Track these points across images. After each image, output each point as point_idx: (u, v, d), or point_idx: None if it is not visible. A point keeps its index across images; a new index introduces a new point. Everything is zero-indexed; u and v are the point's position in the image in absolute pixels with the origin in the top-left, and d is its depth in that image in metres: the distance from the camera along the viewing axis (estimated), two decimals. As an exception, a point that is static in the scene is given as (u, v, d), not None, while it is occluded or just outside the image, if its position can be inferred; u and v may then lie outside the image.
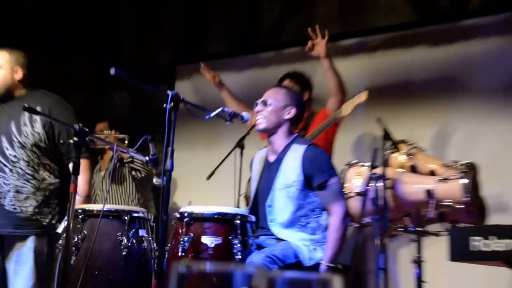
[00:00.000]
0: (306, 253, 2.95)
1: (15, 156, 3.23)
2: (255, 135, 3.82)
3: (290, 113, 3.13)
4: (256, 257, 2.78)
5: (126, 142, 4.89)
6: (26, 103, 2.88)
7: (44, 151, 3.26)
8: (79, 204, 3.05)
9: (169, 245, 2.85)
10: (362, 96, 3.66)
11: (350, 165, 3.29)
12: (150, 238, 2.94)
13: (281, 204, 3.03)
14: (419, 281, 3.03)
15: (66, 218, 2.60)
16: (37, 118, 3.21)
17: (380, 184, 2.96)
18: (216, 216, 2.83)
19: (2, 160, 3.24)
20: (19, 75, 3.32)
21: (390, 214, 3.00)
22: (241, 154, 3.91)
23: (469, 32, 4.50)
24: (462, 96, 4.43)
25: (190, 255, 2.72)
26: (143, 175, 4.95)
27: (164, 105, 2.56)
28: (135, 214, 2.93)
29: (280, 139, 3.14)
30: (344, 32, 4.92)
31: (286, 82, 4.07)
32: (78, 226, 2.86)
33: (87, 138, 2.74)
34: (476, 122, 4.31)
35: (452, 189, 3.11)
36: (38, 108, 3.14)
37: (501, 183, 4.01)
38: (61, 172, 3.36)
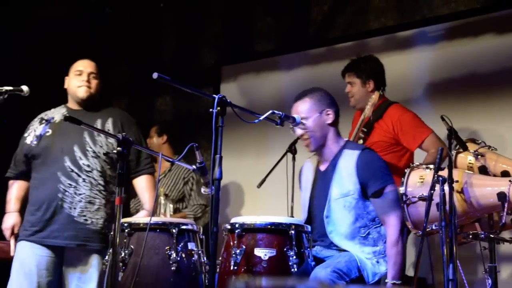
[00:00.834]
0: (369, 268, 2.87)
1: (88, 166, 3.25)
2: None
3: (330, 115, 2.99)
4: (322, 272, 2.68)
5: None
6: (98, 114, 3.25)
7: (114, 163, 3.25)
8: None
9: (220, 258, 2.77)
10: (375, 97, 3.63)
11: (412, 168, 3.12)
12: (200, 252, 2.89)
13: (339, 215, 2.93)
14: (493, 293, 2.89)
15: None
16: (110, 127, 3.32)
17: (446, 187, 2.78)
18: (269, 226, 2.74)
19: (75, 170, 3.25)
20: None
21: (458, 220, 2.84)
22: (293, 159, 3.81)
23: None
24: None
25: (243, 269, 2.66)
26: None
27: (211, 109, 2.49)
28: (184, 227, 2.87)
29: (330, 146, 3.01)
30: (402, 23, 4.76)
31: (346, 78, 3.84)
32: (125, 240, 2.81)
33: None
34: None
35: (528, 192, 2.92)
36: (110, 120, 3.34)
37: None
38: (126, 189, 3.39)
